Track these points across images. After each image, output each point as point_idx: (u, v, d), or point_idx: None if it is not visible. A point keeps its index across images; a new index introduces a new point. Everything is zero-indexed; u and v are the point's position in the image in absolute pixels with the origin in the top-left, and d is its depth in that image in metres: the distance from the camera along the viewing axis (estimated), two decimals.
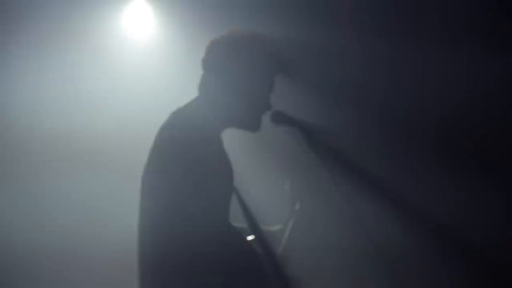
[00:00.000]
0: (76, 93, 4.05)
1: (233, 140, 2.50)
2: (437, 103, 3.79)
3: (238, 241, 2.30)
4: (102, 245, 3.89)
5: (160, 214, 2.19)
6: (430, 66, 3.77)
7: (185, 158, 2.17)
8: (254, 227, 2.37)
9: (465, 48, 3.63)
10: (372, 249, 2.73)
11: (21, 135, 3.98)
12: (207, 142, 2.24)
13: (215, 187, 2.19)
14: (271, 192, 3.46)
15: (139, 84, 4.05)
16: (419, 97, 3.81)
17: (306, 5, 3.83)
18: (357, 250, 3.61)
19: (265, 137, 2.79)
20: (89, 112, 4.07)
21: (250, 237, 2.40)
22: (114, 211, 3.89)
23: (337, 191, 2.53)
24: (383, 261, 2.98)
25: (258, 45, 2.37)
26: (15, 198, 3.98)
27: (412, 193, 3.71)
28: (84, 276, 3.98)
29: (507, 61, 3.57)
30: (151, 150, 2.31)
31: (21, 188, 3.97)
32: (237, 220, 2.40)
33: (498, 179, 3.66)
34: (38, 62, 3.97)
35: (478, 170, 3.69)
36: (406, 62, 3.75)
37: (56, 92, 4.01)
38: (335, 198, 3.22)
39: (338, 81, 3.87)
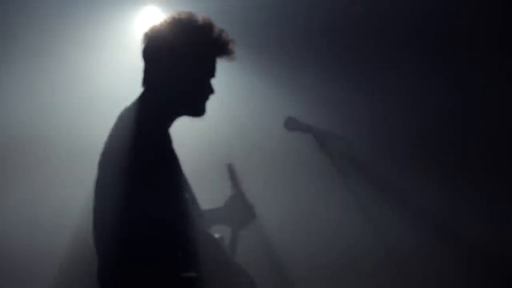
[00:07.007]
0: (85, 98, 4.07)
1: (242, 146, 2.50)
2: (449, 112, 3.82)
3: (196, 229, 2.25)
4: None
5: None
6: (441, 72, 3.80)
7: (135, 158, 2.16)
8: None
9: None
10: (383, 253, 2.75)
11: (25, 138, 4.01)
12: (153, 139, 2.22)
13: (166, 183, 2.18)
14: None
15: None
16: (432, 102, 3.84)
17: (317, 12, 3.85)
18: (368, 252, 3.63)
19: (278, 142, 2.81)
20: (98, 118, 4.08)
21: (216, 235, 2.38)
22: None
23: (349, 196, 2.54)
24: (393, 263, 3.01)
25: (196, 29, 2.33)
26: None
27: (424, 198, 3.73)
28: None
29: None
30: (101, 155, 2.32)
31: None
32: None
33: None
34: (48, 68, 4.00)
35: (484, 175, 3.72)
36: (419, 69, 3.78)
37: (65, 97, 4.04)
38: (347, 202, 3.25)
39: (350, 87, 3.89)
